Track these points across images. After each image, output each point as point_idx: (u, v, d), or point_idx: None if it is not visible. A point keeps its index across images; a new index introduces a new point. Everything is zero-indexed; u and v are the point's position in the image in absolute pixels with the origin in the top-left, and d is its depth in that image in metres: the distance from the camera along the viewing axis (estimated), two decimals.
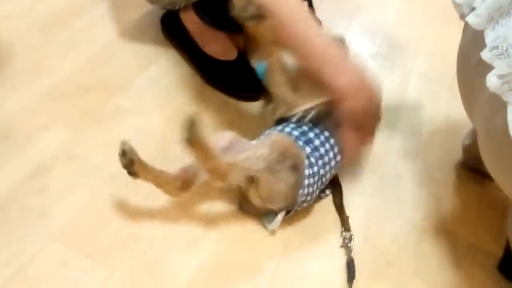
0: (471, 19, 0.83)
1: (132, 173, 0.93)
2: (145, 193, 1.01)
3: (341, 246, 1.03)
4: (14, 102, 1.12)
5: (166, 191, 0.96)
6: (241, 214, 1.03)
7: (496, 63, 0.76)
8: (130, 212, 0.99)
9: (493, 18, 0.80)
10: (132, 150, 0.92)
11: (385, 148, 1.24)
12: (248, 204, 1.00)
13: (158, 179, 0.94)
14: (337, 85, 0.96)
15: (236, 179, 0.93)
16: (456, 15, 0.94)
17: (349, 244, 1.02)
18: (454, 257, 1.05)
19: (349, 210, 1.10)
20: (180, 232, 0.99)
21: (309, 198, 1.01)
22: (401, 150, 1.26)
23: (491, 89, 0.76)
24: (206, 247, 0.97)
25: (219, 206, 1.03)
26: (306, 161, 0.98)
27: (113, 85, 1.23)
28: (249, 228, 1.02)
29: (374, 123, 1.07)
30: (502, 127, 0.75)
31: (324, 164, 1.02)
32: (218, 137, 0.98)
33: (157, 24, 1.40)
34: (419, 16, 1.78)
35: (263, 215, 1.02)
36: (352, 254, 1.01)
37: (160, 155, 1.08)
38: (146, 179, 0.94)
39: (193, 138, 0.84)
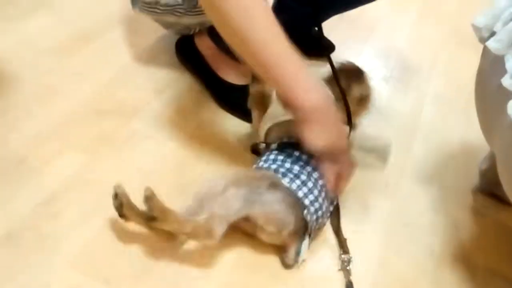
0: (492, 44, 0.83)
1: (121, 215, 0.94)
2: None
3: (340, 270, 1.01)
4: (29, 127, 1.12)
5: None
6: (252, 241, 1.02)
7: None
8: (146, 238, 0.98)
9: None
10: (124, 194, 0.92)
11: (400, 173, 1.23)
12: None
13: (149, 223, 0.93)
14: (302, 103, 0.92)
15: (222, 229, 0.91)
16: (469, 36, 0.94)
17: (348, 267, 1.00)
18: (472, 283, 1.04)
19: (365, 233, 1.09)
20: (195, 259, 0.98)
21: (320, 213, 0.99)
22: (417, 175, 1.25)
23: None
24: (219, 277, 0.96)
25: (230, 235, 1.02)
26: (297, 181, 0.97)
27: (128, 109, 1.23)
28: (261, 255, 1.01)
29: (345, 154, 1.03)
30: None
31: (316, 180, 1.01)
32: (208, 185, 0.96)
33: (171, 49, 1.41)
34: (431, 37, 1.78)
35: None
36: (351, 277, 0.99)
37: (174, 179, 1.08)
38: (137, 222, 0.95)
39: (154, 213, 0.88)
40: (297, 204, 0.96)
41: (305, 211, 0.96)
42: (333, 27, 1.57)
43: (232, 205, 0.91)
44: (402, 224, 1.13)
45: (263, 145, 1.12)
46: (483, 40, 0.87)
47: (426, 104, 1.47)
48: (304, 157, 1.03)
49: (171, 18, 1.28)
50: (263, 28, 0.91)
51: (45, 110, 1.17)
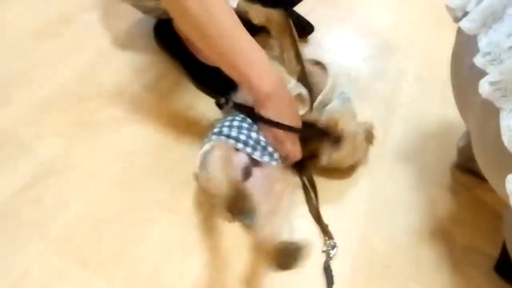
0: (464, 24, 0.83)
1: None
2: (142, 203, 1.01)
3: (323, 251, 1.02)
4: (6, 113, 1.11)
5: None
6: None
7: (489, 69, 0.77)
8: (126, 221, 0.99)
9: (486, 23, 0.80)
10: None
11: (380, 152, 1.24)
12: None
13: None
14: (260, 90, 1.00)
15: None
16: (448, 16, 0.94)
17: (330, 252, 1.02)
18: (450, 259, 1.06)
19: (345, 213, 1.10)
20: (177, 242, 0.98)
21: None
22: (396, 153, 1.26)
23: (483, 96, 0.76)
24: (203, 257, 0.97)
25: (215, 214, 1.03)
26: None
27: (107, 93, 1.23)
28: (244, 236, 1.02)
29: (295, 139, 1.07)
30: (495, 132, 0.75)
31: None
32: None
33: (149, 32, 1.40)
34: (411, 17, 1.78)
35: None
36: (330, 261, 1.00)
37: (155, 163, 1.08)
38: None
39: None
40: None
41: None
42: (311, 8, 1.58)
43: None
44: (382, 203, 1.15)
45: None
46: (457, 20, 0.88)
47: (405, 83, 1.47)
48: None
49: (151, 3, 1.27)
50: (220, 19, 0.95)
51: (22, 95, 1.16)
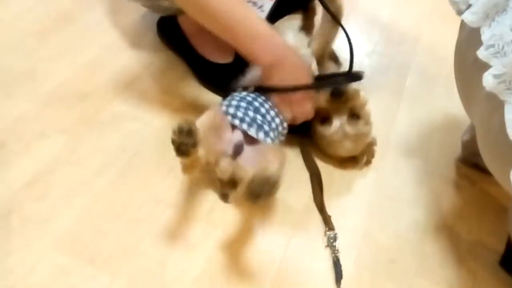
0: (467, 16, 0.83)
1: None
2: (145, 199, 1.01)
3: (327, 246, 1.02)
4: (9, 109, 1.11)
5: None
6: (239, 217, 1.03)
7: (492, 62, 0.76)
8: (130, 218, 0.99)
9: (489, 15, 0.79)
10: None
11: (384, 146, 1.24)
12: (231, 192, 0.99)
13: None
14: (263, 61, 1.03)
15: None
16: (452, 10, 0.94)
17: (334, 243, 1.02)
18: (456, 253, 1.06)
19: (349, 208, 1.10)
20: (180, 238, 0.99)
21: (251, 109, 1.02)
22: (400, 147, 1.26)
23: (487, 89, 0.76)
24: (207, 252, 0.97)
25: (218, 210, 1.03)
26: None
27: (110, 90, 1.22)
28: (247, 230, 1.02)
29: (305, 98, 1.08)
30: (500, 125, 0.75)
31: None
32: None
33: (153, 27, 1.40)
34: (415, 11, 1.78)
35: None
36: (338, 253, 1.00)
37: (158, 159, 1.08)
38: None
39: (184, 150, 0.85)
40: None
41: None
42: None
43: None
44: (386, 197, 1.14)
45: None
46: (460, 12, 0.87)
47: (409, 77, 1.47)
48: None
49: (166, 3, 1.24)
50: None
51: (25, 92, 1.16)
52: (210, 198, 1.04)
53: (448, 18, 0.98)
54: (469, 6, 0.85)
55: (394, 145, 1.26)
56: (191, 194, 1.04)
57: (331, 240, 1.02)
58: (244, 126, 0.98)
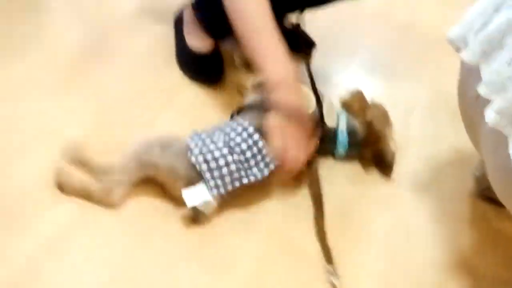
0: (465, 55, 0.84)
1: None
2: (160, 265, 1.01)
3: (328, 282, 1.01)
4: (24, 171, 1.11)
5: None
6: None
7: (493, 98, 0.76)
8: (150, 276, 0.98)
9: (486, 52, 0.80)
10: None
11: (396, 185, 1.23)
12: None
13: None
14: (275, 75, 1.09)
15: (121, 191, 1.04)
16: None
17: (334, 280, 1.00)
18: None
19: (364, 250, 1.09)
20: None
21: (221, 162, 1.03)
22: (413, 186, 1.25)
23: (490, 125, 0.76)
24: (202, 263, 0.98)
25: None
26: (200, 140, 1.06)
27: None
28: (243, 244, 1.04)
29: (304, 125, 1.11)
30: (506, 159, 0.75)
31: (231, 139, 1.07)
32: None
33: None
34: (415, 48, 1.78)
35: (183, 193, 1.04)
36: None
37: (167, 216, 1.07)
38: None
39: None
40: (183, 156, 1.05)
41: (189, 153, 1.03)
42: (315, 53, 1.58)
43: (128, 169, 1.04)
44: (403, 238, 1.13)
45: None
46: (459, 50, 0.88)
47: (415, 115, 1.46)
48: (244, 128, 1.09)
49: None
50: (253, 19, 1.13)
51: (39, 152, 1.15)
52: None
53: (451, 52, 0.98)
54: (467, 44, 0.85)
55: (406, 184, 1.25)
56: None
57: (330, 275, 1.01)
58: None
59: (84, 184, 1.04)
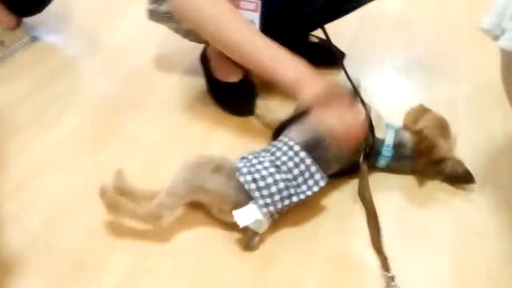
0: (504, 43, 0.81)
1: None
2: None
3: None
4: (80, 230, 1.13)
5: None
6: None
7: None
8: None
9: None
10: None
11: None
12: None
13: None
14: (290, 78, 1.08)
15: (170, 215, 1.05)
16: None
17: (393, 285, 0.97)
18: None
19: (431, 256, 1.06)
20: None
21: (269, 180, 1.02)
22: None
23: None
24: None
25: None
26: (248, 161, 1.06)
27: None
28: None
29: (341, 98, 1.09)
30: None
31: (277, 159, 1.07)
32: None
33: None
34: (448, 40, 1.76)
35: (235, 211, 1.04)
36: None
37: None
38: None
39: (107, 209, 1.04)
40: (235, 181, 1.04)
41: (237, 173, 1.03)
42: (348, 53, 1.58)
43: (178, 192, 1.04)
44: (469, 234, 1.10)
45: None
46: (497, 38, 0.86)
47: (459, 107, 1.43)
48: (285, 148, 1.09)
49: (171, 25, 1.39)
50: (235, 30, 1.13)
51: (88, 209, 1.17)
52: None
53: (484, 38, 0.96)
54: (504, 30, 0.83)
55: None
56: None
57: (390, 281, 0.98)
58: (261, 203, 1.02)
59: (131, 207, 1.04)
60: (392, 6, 1.91)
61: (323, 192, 1.11)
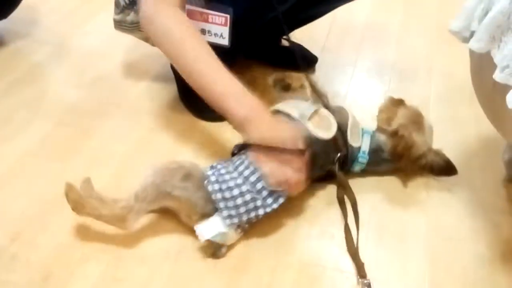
0: (473, 44, 0.81)
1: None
2: None
3: None
4: (48, 240, 1.10)
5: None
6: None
7: (511, 82, 0.74)
8: None
9: (495, 37, 0.78)
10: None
11: (425, 185, 1.21)
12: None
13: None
14: (238, 116, 1.05)
15: (135, 219, 1.02)
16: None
17: None
18: None
19: (408, 256, 1.06)
20: None
21: (235, 192, 1.01)
22: (442, 182, 1.22)
23: None
24: None
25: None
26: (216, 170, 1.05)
27: None
28: None
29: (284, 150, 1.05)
30: None
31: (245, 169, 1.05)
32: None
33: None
34: (420, 41, 1.77)
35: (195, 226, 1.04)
36: None
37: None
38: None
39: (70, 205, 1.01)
40: (204, 190, 1.03)
41: (206, 181, 1.02)
42: (319, 57, 1.58)
43: (146, 197, 1.01)
44: (443, 238, 1.10)
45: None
46: (465, 40, 0.86)
47: (432, 108, 1.44)
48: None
49: (139, 34, 1.39)
50: (194, 58, 1.10)
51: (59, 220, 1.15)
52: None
53: (455, 40, 0.96)
54: (472, 33, 0.83)
55: (434, 181, 1.22)
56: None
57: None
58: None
59: (97, 206, 1.02)
60: (362, 9, 1.92)
61: (298, 196, 1.10)
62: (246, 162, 1.06)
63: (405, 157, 1.16)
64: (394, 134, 1.17)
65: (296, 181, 1.05)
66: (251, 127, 1.05)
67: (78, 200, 1.02)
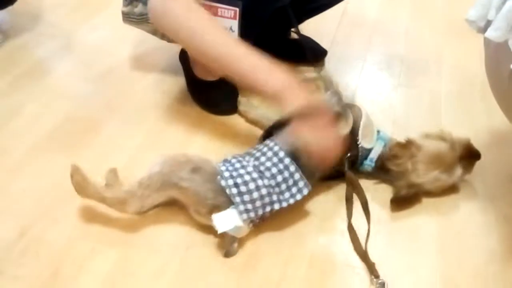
0: (491, 33, 0.80)
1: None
2: None
3: None
4: (57, 235, 1.10)
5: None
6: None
7: None
8: None
9: None
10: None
11: None
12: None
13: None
14: (271, 87, 1.05)
15: (136, 206, 1.03)
16: (465, 25, 0.91)
17: None
18: None
19: (419, 254, 1.05)
20: None
21: (251, 186, 1.00)
22: None
23: None
24: None
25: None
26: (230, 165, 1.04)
27: None
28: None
29: (323, 115, 1.06)
30: None
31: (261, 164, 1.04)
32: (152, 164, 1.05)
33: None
34: (429, 35, 1.76)
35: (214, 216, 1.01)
36: None
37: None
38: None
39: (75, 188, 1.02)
40: (214, 183, 1.02)
41: (219, 177, 1.01)
42: (329, 50, 1.57)
43: (150, 185, 1.02)
44: (454, 233, 1.08)
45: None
46: (481, 30, 0.85)
47: (443, 103, 1.42)
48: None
49: (147, 27, 1.38)
50: (213, 41, 1.10)
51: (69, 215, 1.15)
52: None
53: (463, 33, 0.95)
54: (488, 22, 0.82)
55: None
56: None
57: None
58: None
59: (100, 189, 1.03)
60: (372, 3, 1.91)
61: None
62: (269, 153, 1.06)
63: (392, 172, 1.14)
64: (404, 147, 1.13)
65: (335, 149, 1.06)
66: (286, 98, 1.05)
67: (82, 182, 1.02)
